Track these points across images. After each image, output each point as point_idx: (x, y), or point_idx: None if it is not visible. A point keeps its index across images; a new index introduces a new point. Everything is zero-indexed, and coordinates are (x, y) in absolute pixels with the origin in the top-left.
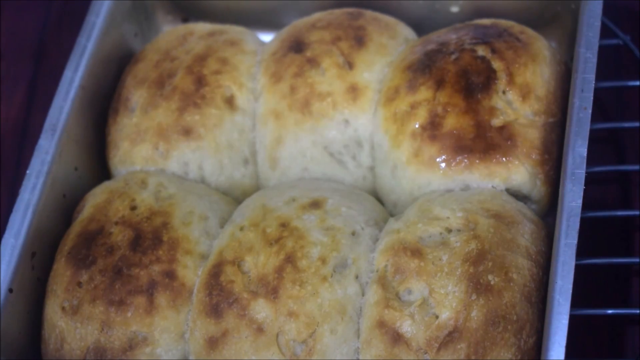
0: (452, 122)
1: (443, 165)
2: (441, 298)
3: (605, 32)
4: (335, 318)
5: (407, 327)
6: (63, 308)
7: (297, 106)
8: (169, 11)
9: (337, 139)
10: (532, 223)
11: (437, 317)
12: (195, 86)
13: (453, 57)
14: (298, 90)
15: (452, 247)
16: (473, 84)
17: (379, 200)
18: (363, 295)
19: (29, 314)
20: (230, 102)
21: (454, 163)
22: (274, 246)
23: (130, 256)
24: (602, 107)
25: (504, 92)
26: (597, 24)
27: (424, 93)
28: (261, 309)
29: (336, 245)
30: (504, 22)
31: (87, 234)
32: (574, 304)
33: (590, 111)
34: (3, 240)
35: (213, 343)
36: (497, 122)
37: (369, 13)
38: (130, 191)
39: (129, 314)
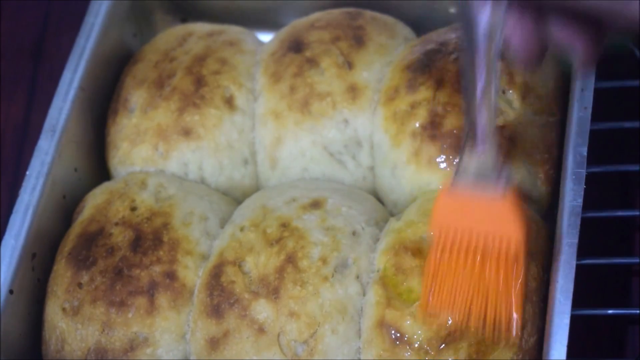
0: (452, 121)
1: (443, 164)
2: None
3: None
4: (336, 318)
5: (408, 326)
6: (64, 309)
7: (297, 106)
8: (168, 11)
9: (337, 139)
10: (532, 222)
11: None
12: (195, 86)
13: (453, 56)
14: (297, 90)
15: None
16: None
17: (379, 200)
18: (364, 295)
19: (30, 315)
20: (229, 102)
21: (454, 162)
22: (275, 246)
23: (130, 257)
24: (602, 107)
25: (503, 92)
26: None
27: (424, 92)
28: (262, 310)
29: (337, 245)
30: None
31: (87, 235)
32: (575, 305)
33: (590, 110)
34: (3, 242)
35: (214, 343)
36: (497, 121)
37: (368, 13)
38: (130, 192)
39: (130, 315)
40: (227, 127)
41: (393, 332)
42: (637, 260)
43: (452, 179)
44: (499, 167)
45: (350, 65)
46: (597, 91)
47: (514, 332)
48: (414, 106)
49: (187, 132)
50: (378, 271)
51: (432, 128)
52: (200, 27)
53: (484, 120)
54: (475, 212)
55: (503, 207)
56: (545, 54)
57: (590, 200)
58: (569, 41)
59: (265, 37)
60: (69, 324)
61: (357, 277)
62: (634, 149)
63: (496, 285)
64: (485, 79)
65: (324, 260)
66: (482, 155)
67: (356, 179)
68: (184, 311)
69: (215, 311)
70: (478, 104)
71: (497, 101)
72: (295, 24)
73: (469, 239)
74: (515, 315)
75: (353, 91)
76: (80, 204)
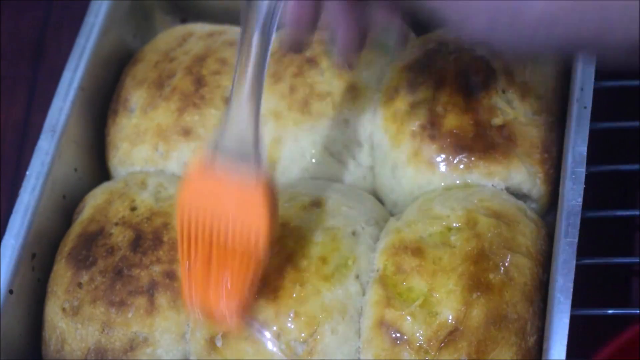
0: (451, 121)
1: (443, 164)
2: (442, 297)
3: None
4: (336, 318)
5: (408, 326)
6: (63, 309)
7: (297, 106)
8: (168, 12)
9: (337, 139)
10: (532, 222)
11: (438, 316)
12: (195, 87)
13: (452, 56)
14: (297, 90)
15: (452, 246)
16: (473, 83)
17: (379, 199)
18: (364, 294)
19: (29, 315)
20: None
21: (454, 162)
22: (274, 246)
23: (130, 257)
24: (602, 107)
25: (503, 91)
26: None
27: (424, 92)
28: (262, 309)
29: (337, 245)
30: None
31: (87, 235)
32: (574, 305)
33: (590, 109)
34: (3, 242)
35: (214, 343)
36: (496, 121)
37: None
38: (130, 192)
39: (130, 315)
40: None
41: (393, 331)
42: (637, 260)
43: (207, 149)
44: (256, 148)
45: (350, 65)
46: (597, 91)
47: (226, 320)
48: (413, 106)
49: (187, 132)
50: (378, 271)
51: (432, 128)
52: (200, 28)
53: (248, 90)
54: (225, 193)
55: (252, 193)
56: (367, 39)
57: (590, 200)
58: (387, 18)
59: None
60: (68, 324)
61: (357, 276)
62: (634, 149)
63: (229, 273)
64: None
65: (323, 260)
66: (241, 130)
67: (356, 179)
68: (184, 311)
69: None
70: (248, 72)
71: (263, 77)
72: None
73: (212, 221)
74: (231, 304)
75: (353, 91)
76: (80, 204)
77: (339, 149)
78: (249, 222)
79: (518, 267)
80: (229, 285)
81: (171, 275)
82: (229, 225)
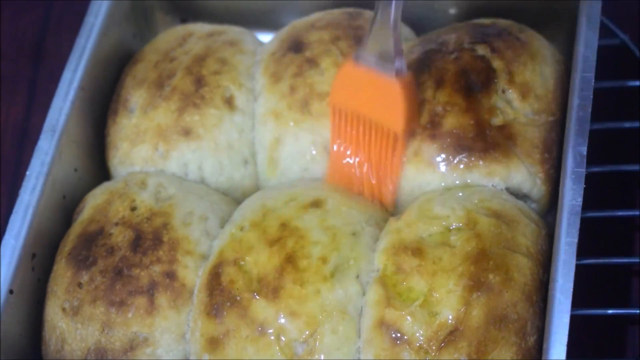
0: (452, 121)
1: (443, 164)
2: (442, 297)
3: (605, 32)
4: (336, 318)
5: (408, 326)
6: (64, 309)
7: (297, 106)
8: (168, 12)
9: None
10: (532, 222)
11: (438, 316)
12: (195, 86)
13: (452, 56)
14: (297, 90)
15: (452, 246)
16: (473, 83)
17: None
18: (364, 294)
19: (30, 315)
20: (229, 102)
21: (454, 162)
22: (275, 246)
23: (130, 257)
24: (602, 107)
25: (503, 91)
26: (596, 23)
27: (424, 92)
28: (262, 309)
29: (337, 245)
30: (503, 22)
31: (87, 235)
32: (575, 305)
33: (590, 110)
34: (3, 242)
35: (214, 343)
36: (497, 121)
37: (367, 13)
38: (130, 192)
39: (130, 315)
40: (227, 127)
41: (393, 331)
42: (637, 260)
43: (357, 50)
44: (398, 53)
45: None
46: (597, 91)
47: (388, 199)
48: None
49: (187, 132)
50: (378, 271)
51: (432, 128)
52: (200, 28)
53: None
54: (371, 87)
55: (393, 89)
56: None
57: (590, 200)
58: None
59: (265, 37)
60: (69, 324)
61: (357, 276)
62: (634, 149)
63: (378, 156)
64: None
65: (323, 260)
66: (386, 38)
67: None
68: (184, 311)
69: (215, 311)
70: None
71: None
72: (295, 24)
73: (361, 110)
74: (390, 186)
75: None
76: (80, 204)
77: None
78: (391, 115)
79: (518, 267)
80: (372, 160)
81: (171, 275)
82: (374, 112)
